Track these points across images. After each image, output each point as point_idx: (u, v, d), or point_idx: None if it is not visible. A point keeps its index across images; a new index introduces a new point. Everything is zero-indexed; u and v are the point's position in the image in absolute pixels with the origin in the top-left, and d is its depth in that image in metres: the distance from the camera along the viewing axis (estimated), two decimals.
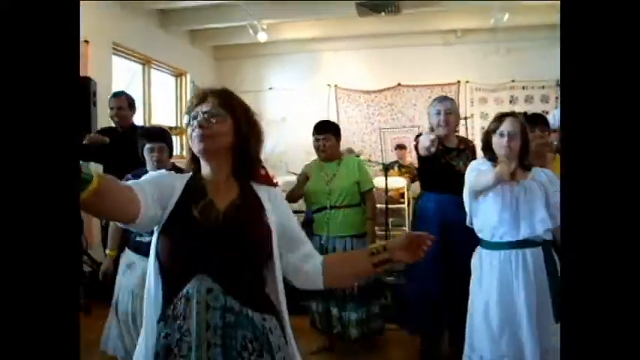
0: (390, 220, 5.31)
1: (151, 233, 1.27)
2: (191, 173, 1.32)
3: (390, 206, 5.01)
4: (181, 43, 6.85)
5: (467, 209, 2.28)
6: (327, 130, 3.19)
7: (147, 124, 5.71)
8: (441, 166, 2.80)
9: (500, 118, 2.23)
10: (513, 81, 7.10)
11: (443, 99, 2.96)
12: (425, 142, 2.66)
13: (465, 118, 6.34)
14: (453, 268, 2.56)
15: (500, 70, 7.04)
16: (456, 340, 2.63)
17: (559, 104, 4.97)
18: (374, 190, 3.34)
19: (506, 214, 2.13)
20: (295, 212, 2.01)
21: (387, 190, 4.86)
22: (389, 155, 7.23)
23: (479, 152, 2.51)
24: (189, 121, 1.25)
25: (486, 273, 2.18)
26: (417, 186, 4.85)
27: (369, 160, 5.91)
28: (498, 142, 2.18)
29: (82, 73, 4.35)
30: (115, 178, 1.12)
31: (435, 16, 6.55)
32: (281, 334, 1.25)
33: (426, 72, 7.17)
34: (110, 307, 2.60)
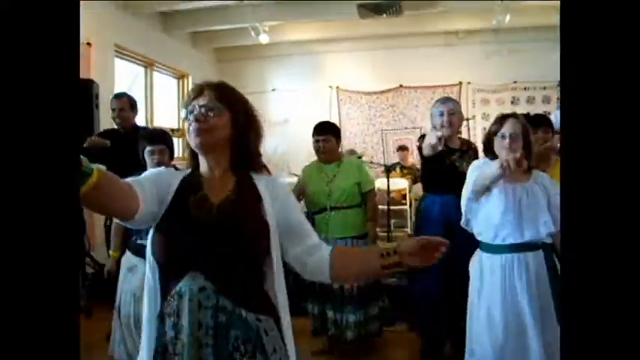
0: (392, 221, 5.31)
1: None
2: (190, 170, 1.32)
3: (391, 207, 5.01)
4: (183, 46, 6.86)
5: (463, 209, 2.26)
6: (326, 132, 3.17)
7: (149, 127, 5.73)
8: (445, 167, 2.79)
9: (501, 119, 2.21)
10: (515, 82, 7.09)
11: (446, 100, 2.95)
12: (432, 139, 2.64)
13: (467, 120, 6.33)
14: (458, 269, 2.55)
15: (502, 71, 7.04)
16: (457, 342, 2.62)
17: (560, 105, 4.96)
18: (375, 191, 3.33)
19: (509, 215, 2.11)
20: None
21: (388, 191, 4.87)
22: (391, 157, 7.24)
23: (481, 154, 2.51)
24: (187, 115, 1.24)
25: (487, 277, 2.16)
26: (418, 187, 4.85)
27: (371, 162, 5.91)
28: (500, 144, 2.17)
29: (84, 76, 4.34)
30: (115, 175, 1.12)
31: (436, 18, 6.54)
32: (278, 335, 1.22)
33: (428, 73, 7.17)
34: (113, 311, 2.60)
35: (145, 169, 2.50)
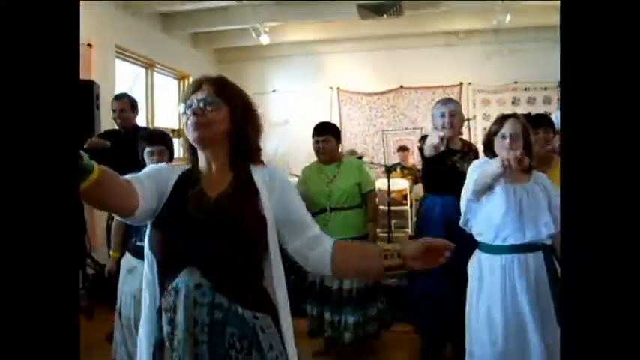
0: (393, 222, 5.31)
1: None
2: (189, 166, 1.32)
3: (392, 208, 5.02)
4: (184, 46, 6.87)
5: (462, 209, 2.25)
6: (326, 132, 3.15)
7: (150, 127, 5.73)
8: (446, 168, 2.79)
9: (501, 120, 2.21)
10: (516, 82, 7.09)
11: (447, 101, 2.95)
12: (434, 139, 2.63)
13: (468, 120, 6.33)
14: (458, 270, 2.55)
15: (503, 72, 7.04)
16: (458, 343, 2.61)
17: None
18: (375, 191, 3.33)
19: (510, 216, 2.10)
20: None
21: (389, 192, 4.87)
22: (391, 157, 7.24)
23: (481, 155, 2.51)
24: (185, 109, 1.24)
25: (487, 277, 2.15)
26: (419, 188, 4.85)
27: (372, 163, 5.91)
28: (500, 144, 2.17)
29: (85, 77, 4.36)
30: (115, 172, 1.13)
31: (436, 18, 6.54)
32: (275, 332, 1.21)
33: (429, 74, 7.16)
34: (114, 312, 2.60)
35: None
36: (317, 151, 3.17)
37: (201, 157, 1.29)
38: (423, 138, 2.97)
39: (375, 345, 3.25)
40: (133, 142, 2.73)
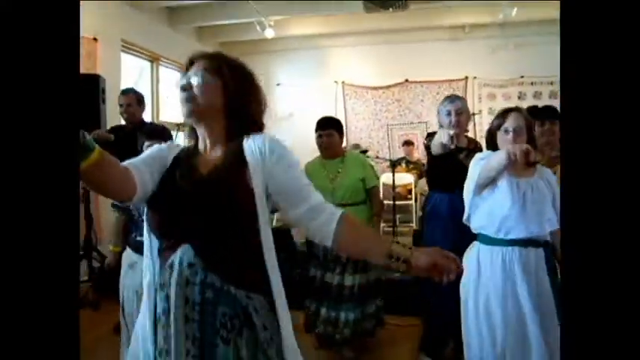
0: (398, 216, 5.31)
1: None
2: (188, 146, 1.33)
3: (397, 203, 5.01)
4: (189, 40, 6.87)
5: (466, 205, 2.21)
6: (329, 126, 3.12)
7: (155, 121, 5.76)
8: (454, 165, 2.77)
9: (503, 114, 2.17)
10: (522, 77, 7.05)
11: (454, 99, 2.90)
12: (444, 138, 2.62)
13: (473, 114, 6.30)
14: None
15: (509, 66, 6.99)
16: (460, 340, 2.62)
17: None
18: (378, 186, 3.31)
19: (513, 209, 2.05)
20: None
21: (394, 186, 4.86)
22: (396, 152, 7.23)
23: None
24: (180, 89, 1.26)
25: (487, 271, 2.11)
26: (424, 182, 4.83)
27: (377, 157, 5.90)
28: (503, 139, 2.12)
29: (91, 71, 4.39)
30: (114, 158, 1.15)
31: (442, 12, 6.50)
32: (270, 313, 1.19)
33: (434, 68, 7.13)
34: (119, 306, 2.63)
35: None
36: (320, 146, 3.14)
37: (199, 133, 1.30)
38: (430, 135, 2.95)
39: (369, 343, 3.20)
40: (137, 137, 2.75)
